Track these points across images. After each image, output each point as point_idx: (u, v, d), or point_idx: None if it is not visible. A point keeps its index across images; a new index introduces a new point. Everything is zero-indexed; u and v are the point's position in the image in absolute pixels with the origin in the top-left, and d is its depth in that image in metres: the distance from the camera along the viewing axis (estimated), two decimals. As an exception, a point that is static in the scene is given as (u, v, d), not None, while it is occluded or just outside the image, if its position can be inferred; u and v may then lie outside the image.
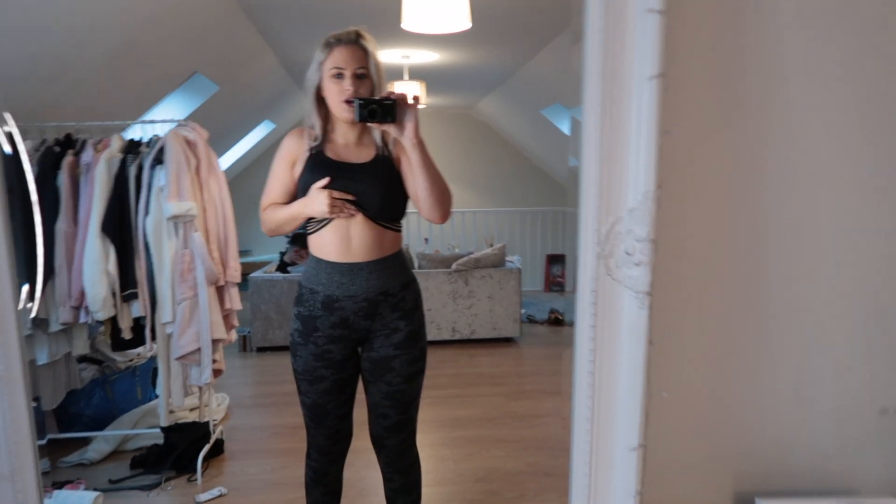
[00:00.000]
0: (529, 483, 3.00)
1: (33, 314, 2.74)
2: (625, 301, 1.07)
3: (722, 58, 1.12)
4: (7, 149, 1.36)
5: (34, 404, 1.21)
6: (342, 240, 1.82)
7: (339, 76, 1.76)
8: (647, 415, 1.10)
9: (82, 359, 3.75)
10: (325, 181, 1.76)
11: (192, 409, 3.79)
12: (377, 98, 1.67)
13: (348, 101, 1.74)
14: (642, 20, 0.95)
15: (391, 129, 1.70)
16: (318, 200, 1.75)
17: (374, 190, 1.79)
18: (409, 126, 1.68)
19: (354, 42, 1.78)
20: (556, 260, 8.87)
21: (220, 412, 3.92)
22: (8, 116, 1.48)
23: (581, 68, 1.02)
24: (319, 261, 1.87)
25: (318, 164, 1.81)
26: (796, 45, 1.16)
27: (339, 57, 1.76)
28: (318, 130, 1.85)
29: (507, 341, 5.69)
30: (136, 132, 3.49)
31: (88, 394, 3.67)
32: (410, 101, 1.69)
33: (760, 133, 1.18)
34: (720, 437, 1.27)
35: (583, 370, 1.12)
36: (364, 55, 1.78)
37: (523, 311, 6.43)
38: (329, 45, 1.78)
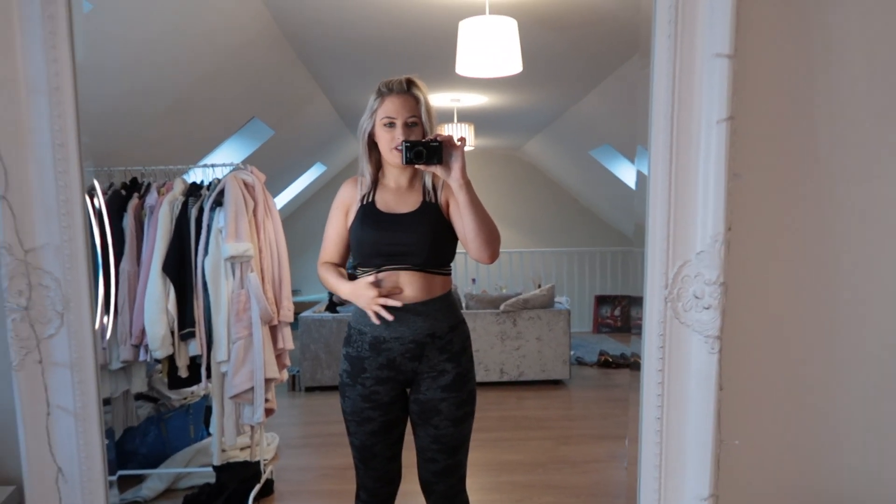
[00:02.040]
0: (583, 532, 2.91)
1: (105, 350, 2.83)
2: (693, 345, 1.04)
3: (790, 101, 1.11)
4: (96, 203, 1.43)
5: (107, 441, 1.25)
6: (391, 284, 1.85)
7: (391, 125, 1.80)
8: (717, 463, 1.06)
9: (139, 396, 3.83)
10: (371, 278, 1.82)
11: (242, 449, 3.81)
12: (424, 140, 1.71)
13: (398, 149, 1.78)
14: (711, 64, 0.95)
15: (438, 171, 1.73)
16: (363, 298, 1.81)
17: (422, 239, 1.82)
18: (455, 167, 1.71)
19: (406, 91, 1.82)
20: (605, 301, 8.75)
21: (270, 452, 3.94)
22: (95, 181, 1.57)
23: (647, 108, 1.02)
24: None
25: (368, 216, 1.86)
26: (865, 88, 1.14)
27: (390, 106, 1.81)
28: (368, 177, 1.90)
29: (555, 384, 5.60)
30: (197, 176, 3.61)
31: (143, 431, 3.74)
32: (457, 142, 1.72)
33: (830, 176, 1.16)
34: (795, 483, 1.22)
35: (650, 416, 1.09)
36: (415, 104, 1.82)
37: (572, 352, 6.34)
38: (381, 94, 1.83)
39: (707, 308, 1.01)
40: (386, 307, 1.80)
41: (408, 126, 1.80)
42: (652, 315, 1.06)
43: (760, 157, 1.11)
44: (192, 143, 4.17)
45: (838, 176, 1.17)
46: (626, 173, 6.98)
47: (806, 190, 1.16)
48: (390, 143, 1.81)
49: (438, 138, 1.70)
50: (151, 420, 3.80)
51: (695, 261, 1.02)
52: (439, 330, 1.86)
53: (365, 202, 1.88)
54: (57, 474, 1.14)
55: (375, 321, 1.81)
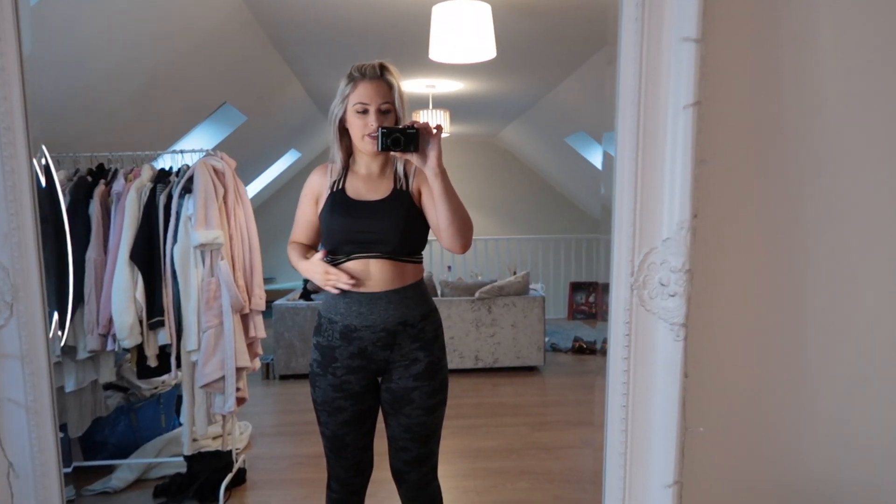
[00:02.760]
0: (556, 517, 2.93)
1: (62, 343, 2.77)
2: (659, 333, 1.04)
3: (758, 86, 1.11)
4: (42, 181, 1.38)
5: (61, 434, 1.21)
6: (361, 273, 1.82)
7: (364, 111, 1.76)
8: (682, 451, 1.06)
9: (108, 386, 3.77)
10: (321, 255, 1.83)
11: (215, 438, 3.78)
12: (400, 127, 1.67)
13: (371, 136, 1.75)
14: (678, 48, 0.94)
15: (413, 159, 1.69)
16: (315, 272, 1.82)
17: (393, 227, 1.79)
18: (431, 155, 1.67)
19: (379, 77, 1.78)
20: (579, 287, 8.80)
21: (242, 441, 3.91)
22: (44, 149, 1.51)
23: (615, 96, 1.01)
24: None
25: (338, 204, 1.83)
26: (834, 74, 1.14)
27: (363, 92, 1.76)
28: (339, 163, 1.86)
29: (530, 370, 5.62)
30: (166, 162, 3.54)
31: (113, 421, 3.69)
32: (433, 130, 1.68)
33: (798, 161, 1.16)
34: (759, 473, 1.23)
35: (615, 404, 1.09)
36: (389, 90, 1.78)
37: (547, 339, 6.37)
38: (353, 80, 1.78)
39: (673, 295, 1.00)
40: (359, 293, 1.82)
41: (381, 112, 1.76)
42: (618, 302, 1.06)
43: (728, 143, 1.11)
44: (162, 128, 4.09)
45: (806, 162, 1.18)
46: (601, 160, 7.00)
47: (774, 176, 1.16)
48: (363, 130, 1.77)
49: (415, 125, 1.66)
50: (121, 410, 3.75)
51: (661, 248, 1.01)
52: (411, 318, 1.85)
53: (335, 189, 1.85)
54: (8, 469, 1.11)
55: (334, 291, 1.82)
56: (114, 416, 3.71)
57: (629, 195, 0.99)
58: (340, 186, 1.85)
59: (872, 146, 1.20)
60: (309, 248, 1.97)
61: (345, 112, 1.80)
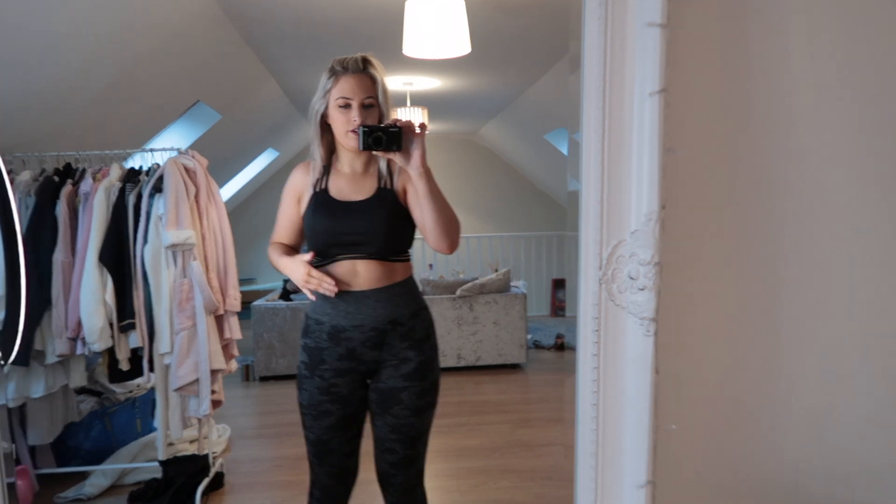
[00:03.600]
0: (537, 515, 2.90)
1: (14, 352, 2.70)
2: (629, 328, 1.01)
3: (726, 72, 1.08)
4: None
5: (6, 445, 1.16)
6: (348, 273, 1.78)
7: (347, 106, 1.71)
8: (655, 449, 1.04)
9: (81, 391, 3.70)
10: (307, 256, 1.77)
11: (192, 442, 3.72)
12: (382, 125, 1.61)
13: (354, 131, 1.70)
14: (643, 34, 0.91)
15: (397, 158, 1.64)
16: (296, 273, 1.76)
17: (378, 228, 1.75)
18: (415, 154, 1.62)
19: (362, 70, 1.72)
20: (561, 284, 8.79)
21: (220, 444, 3.85)
22: None
23: (580, 86, 0.98)
24: None
25: (321, 205, 1.78)
26: (802, 60, 1.12)
27: (346, 86, 1.71)
28: (320, 162, 1.81)
29: (512, 367, 5.60)
30: (135, 161, 3.47)
31: (87, 426, 3.61)
32: (416, 129, 1.62)
33: (769, 150, 1.13)
34: (734, 470, 1.20)
35: (586, 402, 1.06)
36: (372, 84, 1.73)
37: (529, 336, 6.36)
38: (335, 73, 1.72)
39: (642, 289, 0.97)
40: (346, 293, 1.79)
41: (364, 107, 1.71)
42: (587, 297, 1.02)
43: (697, 132, 1.08)
44: (132, 127, 4.02)
45: (777, 150, 1.15)
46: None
47: (744, 165, 1.14)
48: (346, 126, 1.72)
49: (398, 123, 1.60)
50: (95, 415, 3.67)
51: (629, 240, 0.98)
52: (400, 316, 1.81)
53: (318, 189, 1.80)
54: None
55: (311, 297, 1.80)
56: (87, 420, 3.64)
57: (595, 186, 0.95)
58: (323, 186, 1.80)
59: (844, 134, 1.18)
60: (291, 249, 1.90)
61: (326, 107, 1.75)
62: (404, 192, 1.79)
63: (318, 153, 1.80)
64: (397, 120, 1.61)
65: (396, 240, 1.79)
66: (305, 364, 1.85)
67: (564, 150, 6.96)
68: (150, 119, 4.13)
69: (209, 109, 4.73)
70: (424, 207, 1.69)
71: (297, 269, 1.76)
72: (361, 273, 1.77)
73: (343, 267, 1.77)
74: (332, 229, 1.75)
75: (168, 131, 4.60)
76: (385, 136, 1.58)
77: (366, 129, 1.59)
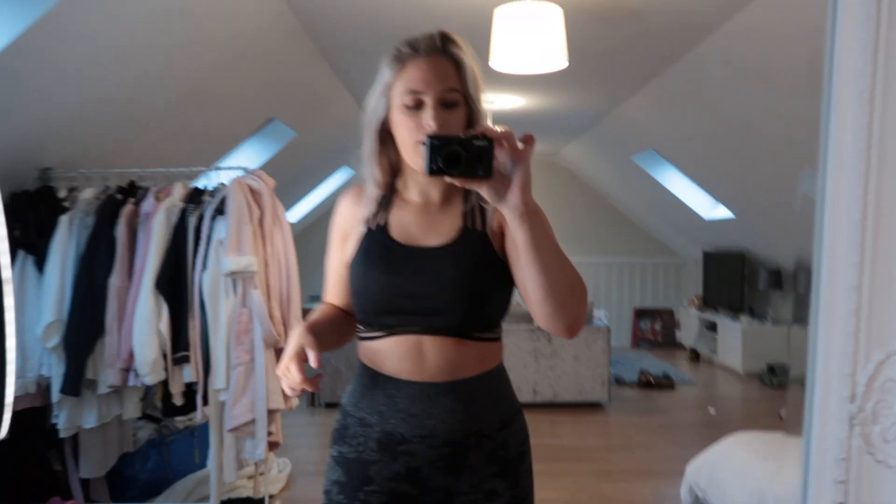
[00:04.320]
0: None
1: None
2: None
3: None
4: None
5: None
6: (409, 355, 1.20)
7: (417, 106, 1.16)
8: None
9: (140, 416, 3.54)
10: (305, 352, 1.11)
11: (249, 478, 3.49)
12: (463, 136, 1.00)
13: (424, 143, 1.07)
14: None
15: (484, 191, 1.00)
16: (291, 340, 1.14)
17: (459, 288, 1.19)
18: (515, 186, 0.99)
19: (441, 51, 1.18)
20: (644, 314, 8.28)
21: (279, 482, 3.60)
22: None
23: (825, 123, 0.61)
24: (375, 374, 1.24)
25: (374, 251, 1.23)
26: None
27: (415, 75, 1.16)
28: (377, 188, 1.27)
29: (593, 406, 5.18)
30: (201, 181, 3.30)
31: (144, 456, 3.44)
32: (519, 143, 1.00)
33: None
34: None
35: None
36: (455, 70, 1.18)
37: (611, 370, 5.91)
38: (401, 59, 1.19)
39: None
40: (409, 382, 1.21)
41: (445, 107, 1.16)
42: (823, 431, 0.65)
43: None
44: (202, 144, 3.87)
45: None
46: (671, 180, 6.52)
47: None
48: (414, 133, 1.16)
49: (488, 133, 0.99)
50: (152, 443, 3.50)
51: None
52: (488, 426, 1.23)
53: (372, 227, 1.25)
54: None
55: (289, 392, 1.13)
56: (144, 449, 3.46)
57: (848, 268, 0.58)
58: (381, 223, 1.25)
59: None
60: (343, 315, 1.34)
61: (388, 110, 1.20)
62: (501, 234, 1.23)
63: (374, 175, 1.26)
64: (486, 128, 1.00)
65: (485, 307, 1.22)
66: (340, 485, 1.25)
67: (653, 174, 6.50)
68: (221, 136, 3.98)
69: (283, 126, 4.56)
70: (527, 267, 1.07)
71: (289, 344, 1.14)
72: (431, 356, 1.20)
73: (403, 345, 1.20)
74: (388, 286, 1.21)
75: (240, 150, 4.45)
76: (465, 153, 0.98)
77: (436, 141, 1.00)
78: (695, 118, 4.78)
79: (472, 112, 1.21)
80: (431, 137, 1.00)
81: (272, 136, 4.68)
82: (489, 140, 0.98)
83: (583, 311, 1.11)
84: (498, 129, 0.99)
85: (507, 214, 1.02)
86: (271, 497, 3.33)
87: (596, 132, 6.46)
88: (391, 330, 1.21)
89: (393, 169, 1.28)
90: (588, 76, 4.24)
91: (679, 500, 3.22)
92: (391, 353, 1.22)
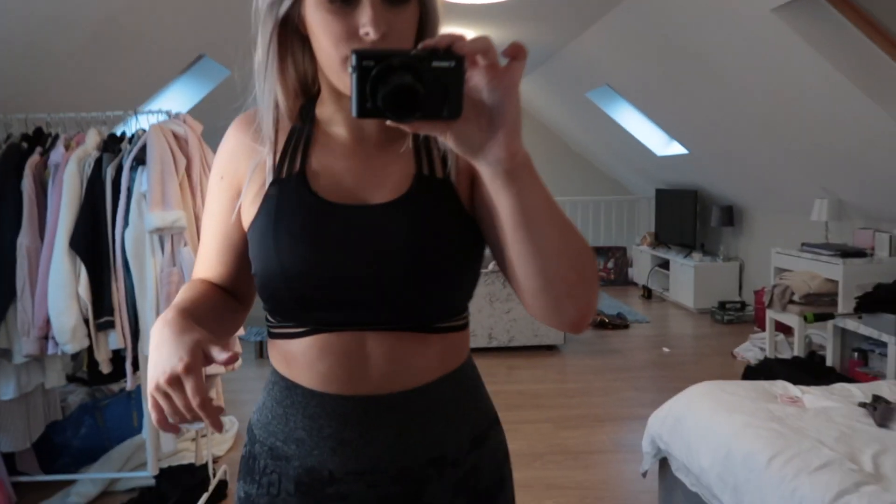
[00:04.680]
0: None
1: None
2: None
3: None
4: None
5: None
6: (346, 356, 0.85)
7: None
8: None
9: (71, 378, 3.29)
10: (222, 357, 0.72)
11: (193, 440, 3.31)
12: (414, 52, 0.62)
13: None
14: None
15: (448, 137, 0.65)
16: (171, 360, 0.71)
17: (411, 266, 0.82)
18: (496, 130, 0.64)
19: None
20: (598, 252, 8.25)
21: (225, 442, 3.44)
22: None
23: None
24: (292, 387, 0.89)
25: (288, 209, 0.84)
26: None
27: None
28: (277, 115, 0.86)
29: (549, 349, 5.14)
30: (130, 127, 2.98)
31: (76, 421, 3.22)
32: (501, 59, 0.63)
33: None
34: None
35: None
36: None
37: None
38: None
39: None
40: (340, 397, 0.86)
41: (389, 1, 0.76)
42: None
43: None
44: (124, 86, 3.51)
45: None
46: (626, 116, 6.40)
47: None
48: (342, 45, 0.77)
49: (455, 47, 0.61)
50: (85, 408, 3.27)
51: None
52: (453, 448, 0.90)
53: (283, 176, 0.86)
54: None
55: (155, 423, 0.73)
56: (76, 415, 3.24)
57: None
58: (297, 170, 0.86)
59: None
60: (222, 298, 0.92)
61: (298, 5, 0.81)
62: (472, 183, 0.87)
63: (273, 100, 0.85)
64: (452, 38, 0.61)
65: (454, 287, 0.87)
66: None
67: (606, 110, 6.35)
68: (146, 77, 3.63)
69: (215, 64, 4.20)
70: (516, 246, 0.74)
71: (177, 362, 0.70)
72: (375, 360, 0.85)
73: (334, 347, 0.85)
74: (314, 264, 0.82)
75: (168, 92, 4.09)
76: (418, 82, 0.61)
77: (369, 61, 0.61)
78: (650, 53, 4.60)
79: (427, 12, 0.81)
80: (361, 55, 0.60)
81: (203, 75, 4.31)
82: (457, 58, 0.60)
83: (593, 300, 0.78)
84: (464, 40, 0.61)
85: (486, 172, 0.67)
86: (216, 460, 3.17)
87: (548, 68, 6.24)
88: (317, 325, 0.85)
89: (306, 89, 0.88)
90: (538, 9, 4.00)
91: (635, 449, 3.19)
92: (316, 357, 0.85)
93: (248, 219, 0.88)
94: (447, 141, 0.65)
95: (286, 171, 0.86)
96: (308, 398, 0.87)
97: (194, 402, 0.69)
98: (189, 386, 0.69)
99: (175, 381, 0.69)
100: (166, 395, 0.70)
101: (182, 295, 0.88)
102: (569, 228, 0.74)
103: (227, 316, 0.92)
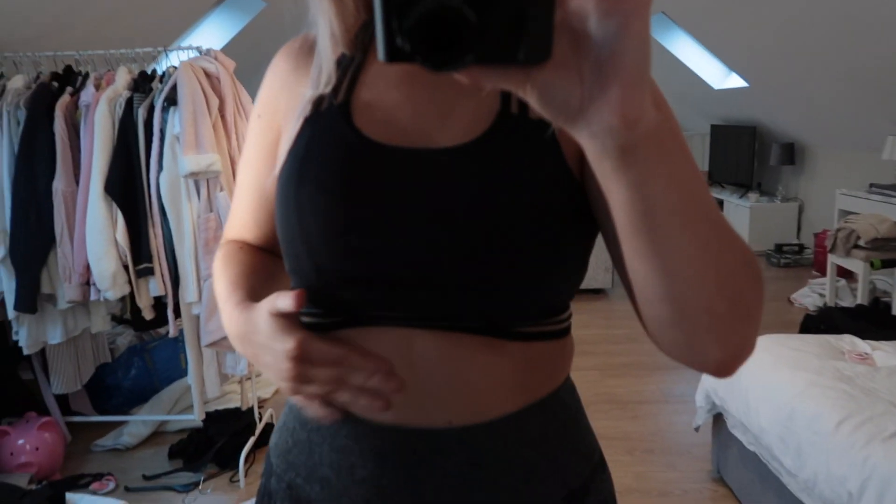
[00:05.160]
0: (639, 508, 2.38)
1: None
2: None
3: None
4: None
5: None
6: (395, 363, 0.58)
7: None
8: None
9: (120, 321, 3.31)
10: (287, 300, 0.56)
11: (239, 381, 3.32)
12: None
13: None
14: None
15: (528, 91, 0.38)
16: (272, 356, 0.58)
17: (477, 235, 0.59)
18: (608, 83, 0.37)
19: None
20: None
21: (271, 385, 3.44)
22: None
23: None
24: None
25: (318, 151, 0.63)
26: None
27: None
28: (340, 39, 0.65)
29: (596, 293, 5.01)
30: (161, 65, 2.88)
31: (126, 363, 3.26)
32: None
33: None
34: None
35: None
36: None
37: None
38: None
39: None
40: (386, 427, 0.64)
41: None
42: None
43: None
44: (154, 21, 3.39)
45: None
46: (681, 47, 6.02)
47: None
48: None
49: None
50: (134, 350, 3.31)
51: None
52: (551, 500, 0.66)
53: (323, 108, 0.65)
54: None
55: (315, 413, 0.61)
56: (126, 356, 3.28)
57: None
58: (341, 100, 0.65)
59: None
60: (269, 263, 0.75)
61: None
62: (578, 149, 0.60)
63: (330, 19, 0.64)
64: None
65: (539, 274, 0.62)
66: None
67: (660, 40, 5.98)
68: (177, 11, 3.49)
69: (251, -4, 4.05)
70: (638, 260, 0.49)
71: (273, 343, 0.57)
72: (426, 371, 0.62)
73: (373, 346, 0.61)
74: (343, 231, 0.61)
75: (201, 27, 3.95)
76: (471, 3, 0.34)
77: None
78: (714, -24, 4.25)
79: None
80: None
81: (238, 7, 4.16)
82: None
83: (751, 336, 0.52)
84: None
85: (591, 147, 0.41)
86: (262, 403, 3.18)
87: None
88: (348, 315, 0.63)
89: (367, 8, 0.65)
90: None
91: (686, 399, 3.08)
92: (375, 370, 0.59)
93: (283, 150, 0.67)
94: (526, 98, 0.39)
95: (328, 102, 0.64)
96: (337, 424, 0.65)
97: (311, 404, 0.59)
98: (317, 360, 0.56)
99: (298, 366, 0.56)
100: (296, 384, 0.58)
101: (234, 260, 0.71)
102: (721, 235, 0.48)
103: (283, 281, 0.72)
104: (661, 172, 0.43)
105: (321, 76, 0.65)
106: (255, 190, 0.74)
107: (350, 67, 0.66)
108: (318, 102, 0.65)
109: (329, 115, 0.64)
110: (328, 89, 0.65)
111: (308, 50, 0.70)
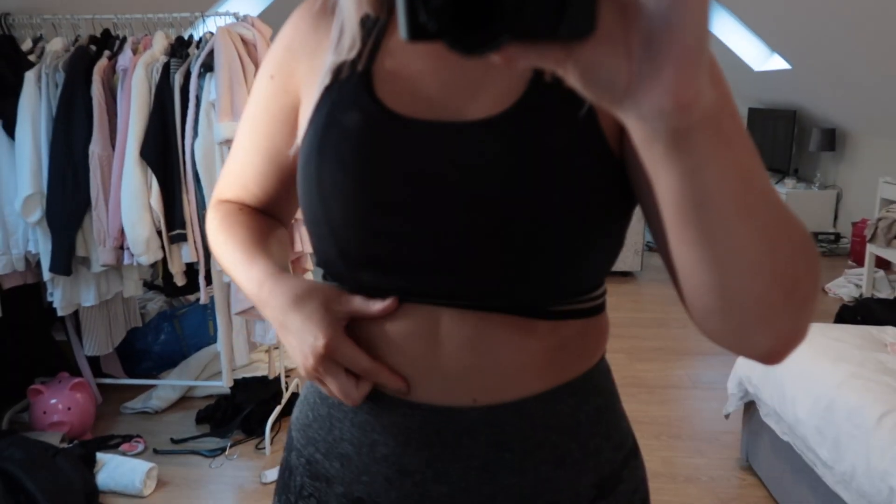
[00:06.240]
0: (666, 494, 2.35)
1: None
2: None
3: None
4: None
5: None
6: (413, 342, 0.60)
7: None
8: None
9: (150, 286, 3.35)
10: (380, 307, 0.60)
11: (267, 351, 3.35)
12: None
13: None
14: None
15: (570, 71, 0.35)
16: (299, 337, 0.60)
17: (505, 211, 0.56)
18: (662, 64, 0.33)
19: None
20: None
21: (297, 355, 3.46)
22: None
23: None
24: None
25: (339, 125, 0.59)
26: None
27: None
28: (363, 7, 0.60)
29: (623, 276, 4.95)
30: (198, 31, 2.86)
31: (156, 328, 3.30)
32: None
33: None
34: None
35: None
36: None
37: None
38: None
39: None
40: (408, 408, 0.62)
41: None
42: None
43: None
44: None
45: None
46: (721, 26, 5.86)
47: None
48: None
49: None
50: (164, 316, 3.35)
51: None
52: (568, 496, 0.63)
53: (344, 77, 0.61)
54: None
55: (348, 402, 0.61)
56: (156, 321, 3.32)
57: None
58: (362, 69, 0.61)
59: None
60: (274, 224, 0.75)
61: None
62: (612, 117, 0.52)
63: None
64: None
65: (571, 250, 0.58)
66: None
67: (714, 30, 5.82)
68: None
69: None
70: (681, 244, 0.45)
71: (305, 333, 0.59)
72: (452, 350, 0.60)
73: (397, 328, 0.61)
74: (368, 206, 0.59)
75: (239, -9, 3.93)
76: None
77: None
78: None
79: None
80: None
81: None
82: None
83: (804, 324, 0.49)
84: None
85: (639, 131, 0.38)
86: (288, 372, 3.20)
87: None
88: (372, 292, 0.61)
89: None
90: None
91: (715, 386, 3.04)
92: (372, 342, 0.61)
93: (303, 120, 0.64)
94: (567, 77, 0.35)
95: (349, 71, 0.60)
96: (375, 401, 0.63)
97: (372, 374, 0.60)
98: (346, 351, 0.59)
99: (324, 356, 0.59)
100: (318, 372, 0.60)
101: (236, 225, 0.70)
102: (779, 220, 0.44)
103: (286, 245, 0.76)
104: (717, 159, 0.39)
105: (343, 38, 0.61)
106: (261, 152, 0.71)
107: (374, 31, 0.62)
108: (338, 71, 0.61)
109: (349, 84, 0.60)
110: (353, 54, 0.60)
111: (330, 9, 0.65)
